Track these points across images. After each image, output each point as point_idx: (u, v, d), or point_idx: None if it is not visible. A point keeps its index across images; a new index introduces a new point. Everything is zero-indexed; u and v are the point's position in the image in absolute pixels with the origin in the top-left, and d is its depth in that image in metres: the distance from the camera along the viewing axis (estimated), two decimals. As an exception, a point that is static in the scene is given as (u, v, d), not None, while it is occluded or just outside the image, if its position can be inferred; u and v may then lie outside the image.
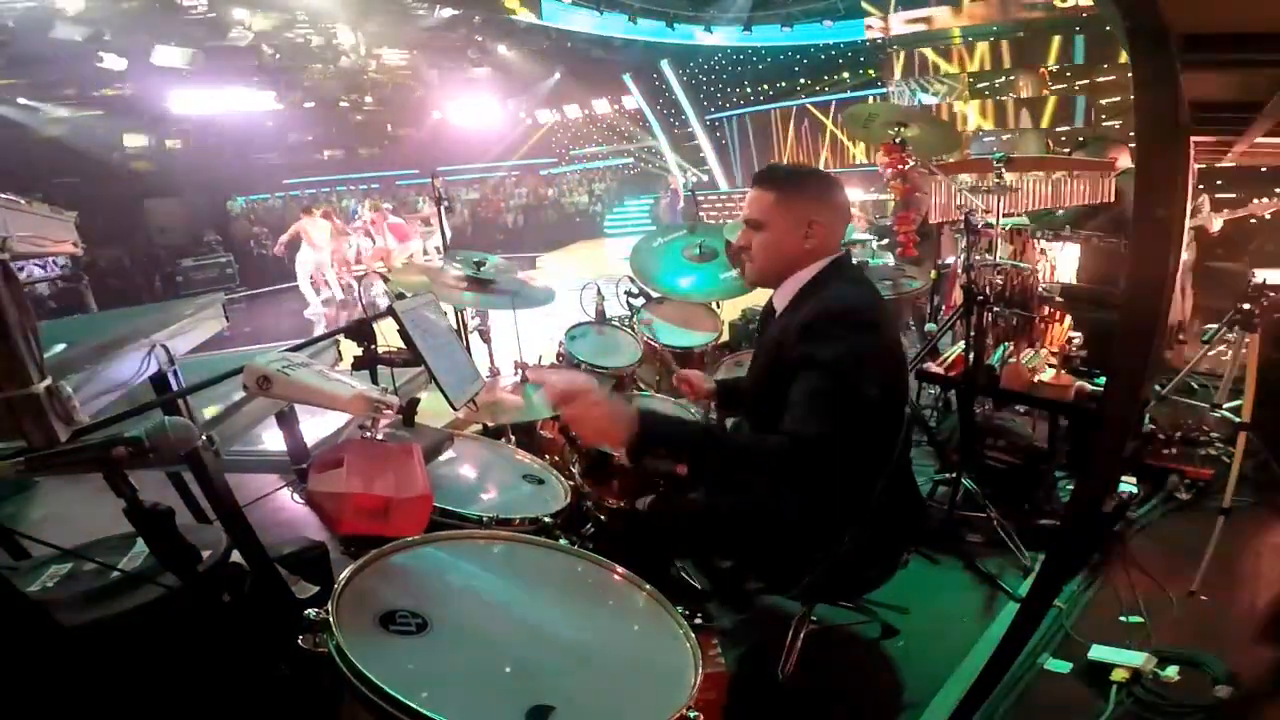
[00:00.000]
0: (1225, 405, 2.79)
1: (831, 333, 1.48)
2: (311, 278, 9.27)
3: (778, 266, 1.67)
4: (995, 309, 2.97)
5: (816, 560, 1.58)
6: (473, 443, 2.15)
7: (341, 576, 1.12)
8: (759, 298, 3.04)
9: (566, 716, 0.96)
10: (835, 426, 1.39)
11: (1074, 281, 3.22)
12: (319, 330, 8.24)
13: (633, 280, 3.06)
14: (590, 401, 1.37)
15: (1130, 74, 1.08)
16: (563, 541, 1.52)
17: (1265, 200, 4.55)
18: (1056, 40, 11.79)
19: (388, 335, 1.68)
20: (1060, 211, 3.41)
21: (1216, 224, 4.45)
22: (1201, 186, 4.59)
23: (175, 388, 1.59)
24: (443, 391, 1.70)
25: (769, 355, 1.67)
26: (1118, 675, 1.82)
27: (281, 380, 1.23)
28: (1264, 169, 5.26)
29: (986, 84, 12.83)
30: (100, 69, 10.18)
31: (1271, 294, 2.31)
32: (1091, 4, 10.85)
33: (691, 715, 1.01)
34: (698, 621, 1.23)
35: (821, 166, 13.89)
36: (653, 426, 1.38)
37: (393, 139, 16.03)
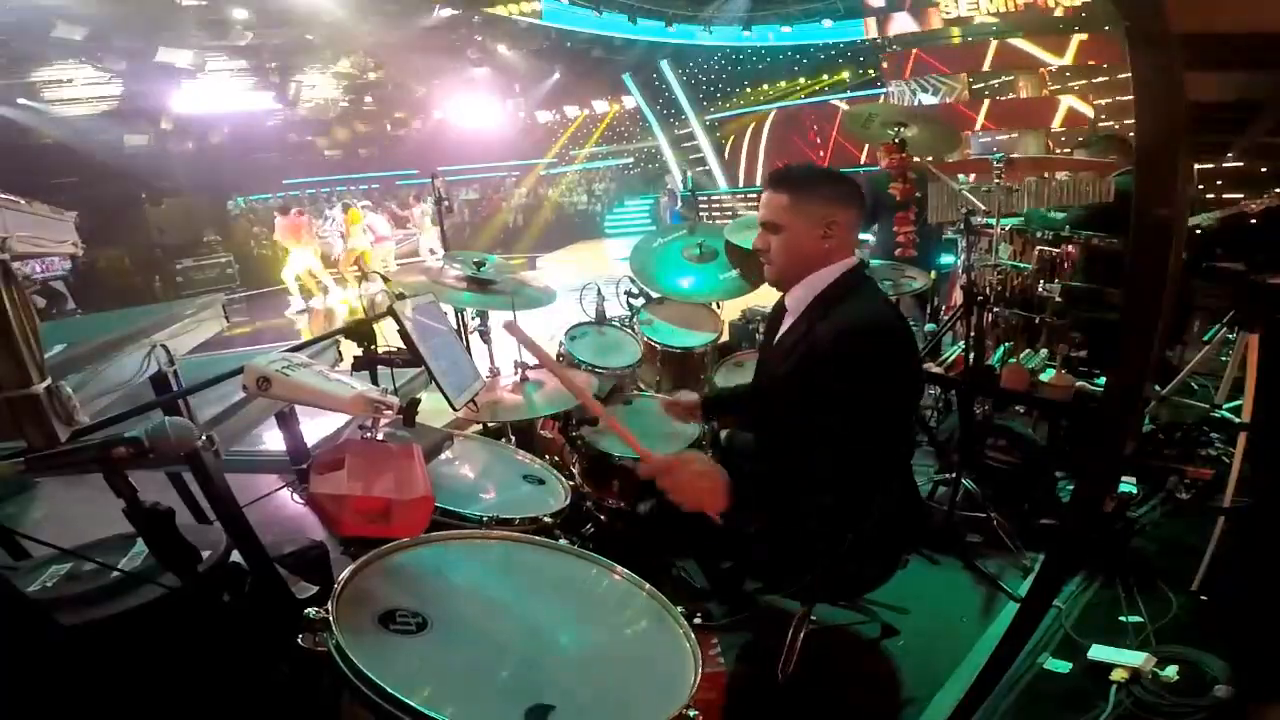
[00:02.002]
0: (1225, 405, 2.79)
1: (859, 355, 1.49)
2: (299, 278, 9.32)
3: (799, 267, 1.66)
4: (995, 309, 2.97)
5: (818, 561, 1.59)
6: (473, 443, 2.15)
7: (341, 576, 1.12)
8: (759, 298, 3.05)
9: (566, 716, 0.96)
10: (861, 448, 1.44)
11: (1074, 282, 3.22)
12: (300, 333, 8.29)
13: (633, 280, 3.06)
14: (694, 472, 1.42)
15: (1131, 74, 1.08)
16: (563, 541, 1.52)
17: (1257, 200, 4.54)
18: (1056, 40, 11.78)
19: (388, 335, 1.68)
20: (1061, 212, 3.41)
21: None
22: (1201, 186, 4.58)
23: (175, 388, 1.59)
24: (443, 391, 1.70)
25: (785, 360, 1.66)
26: (1117, 675, 1.82)
27: (281, 381, 1.23)
28: (1264, 169, 5.25)
29: (987, 84, 12.82)
30: (100, 69, 10.18)
31: (1272, 294, 2.31)
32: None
33: (691, 715, 1.01)
34: (698, 621, 1.23)
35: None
36: (742, 489, 1.42)
37: (393, 139, 16.02)
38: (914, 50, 12.99)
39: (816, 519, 1.53)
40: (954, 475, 2.56)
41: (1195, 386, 3.43)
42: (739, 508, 1.42)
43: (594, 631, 1.20)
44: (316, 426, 2.24)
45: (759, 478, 1.55)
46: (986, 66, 12.19)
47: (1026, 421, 2.98)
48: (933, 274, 3.77)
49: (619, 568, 1.34)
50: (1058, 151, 9.87)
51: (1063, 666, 1.91)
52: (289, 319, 8.99)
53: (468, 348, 2.71)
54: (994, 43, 11.94)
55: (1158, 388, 3.01)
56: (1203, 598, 2.15)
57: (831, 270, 1.63)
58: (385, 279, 2.13)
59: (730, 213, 14.06)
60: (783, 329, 1.73)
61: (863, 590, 1.83)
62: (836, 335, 1.52)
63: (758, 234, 1.70)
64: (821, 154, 14.86)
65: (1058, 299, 3.02)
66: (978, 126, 12.06)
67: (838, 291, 1.61)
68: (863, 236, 4.93)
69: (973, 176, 3.29)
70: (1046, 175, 3.13)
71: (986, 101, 12.32)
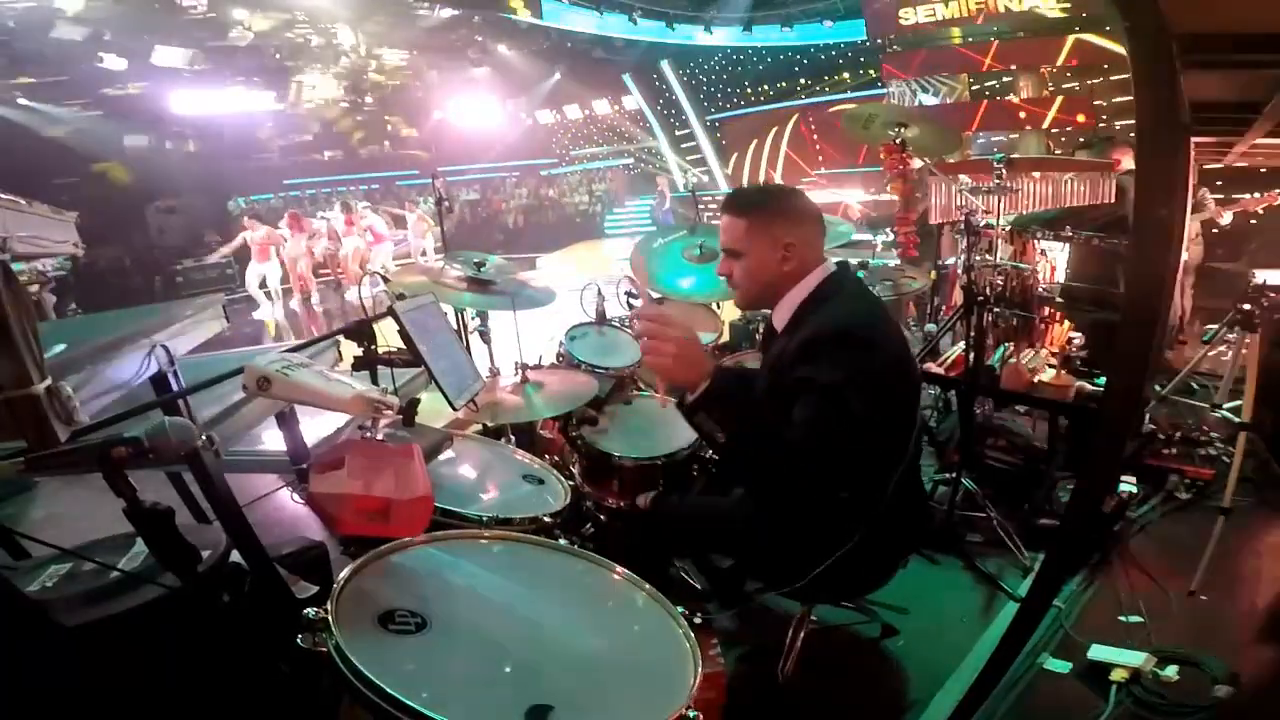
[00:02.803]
0: (1225, 405, 2.79)
1: (828, 354, 1.48)
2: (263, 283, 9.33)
3: (763, 290, 1.67)
4: (995, 309, 2.97)
5: (819, 561, 1.59)
6: (473, 443, 2.15)
7: (341, 576, 1.12)
8: (759, 298, 3.05)
9: (565, 716, 0.96)
10: (831, 450, 1.42)
11: (1074, 282, 3.23)
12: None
13: (633, 281, 3.05)
14: (676, 347, 1.41)
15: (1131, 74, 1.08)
16: (563, 541, 1.52)
17: (1258, 194, 4.57)
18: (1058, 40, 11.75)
19: (388, 335, 1.68)
20: (1061, 212, 3.42)
21: (1226, 217, 4.46)
22: (1204, 188, 4.60)
23: (175, 388, 1.59)
24: (443, 391, 1.70)
25: (770, 376, 1.66)
26: (1117, 675, 1.82)
27: (281, 381, 1.23)
28: (1264, 169, 5.27)
29: (988, 84, 12.81)
30: (100, 69, 10.18)
31: (1271, 294, 2.31)
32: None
33: (691, 715, 1.01)
34: (698, 621, 1.23)
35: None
36: (723, 386, 1.43)
37: (393, 139, 16.02)
38: (993, 43, 12.77)
39: (793, 513, 1.54)
40: (954, 475, 2.57)
41: (1195, 386, 3.43)
42: (709, 404, 1.43)
43: (594, 632, 1.20)
44: (316, 426, 2.24)
45: (752, 407, 1.55)
46: (1060, 61, 11.98)
47: (1026, 421, 2.99)
48: (933, 274, 3.78)
49: (619, 568, 1.33)
50: (1057, 151, 9.87)
51: (1063, 666, 1.91)
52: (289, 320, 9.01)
53: (468, 348, 2.71)
54: (1070, 39, 11.77)
55: (1158, 388, 3.01)
56: (1202, 598, 2.15)
57: (808, 283, 1.63)
58: (385, 279, 2.13)
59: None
60: (773, 348, 1.73)
61: (863, 590, 1.83)
62: (806, 335, 1.53)
63: (720, 260, 1.71)
64: (821, 155, 14.85)
65: (1058, 299, 3.02)
66: (1046, 124, 11.93)
67: (816, 299, 1.62)
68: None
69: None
70: (1045, 175, 3.13)
71: (1060, 98, 12.11)
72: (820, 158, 14.86)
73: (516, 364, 2.38)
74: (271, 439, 2.10)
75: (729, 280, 1.71)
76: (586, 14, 13.29)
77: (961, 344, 2.92)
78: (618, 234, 15.38)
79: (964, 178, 3.15)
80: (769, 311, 1.73)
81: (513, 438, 2.25)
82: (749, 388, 1.71)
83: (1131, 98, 1.08)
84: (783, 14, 14.05)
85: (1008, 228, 3.16)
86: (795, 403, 1.47)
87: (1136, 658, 1.85)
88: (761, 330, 3.14)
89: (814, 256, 1.65)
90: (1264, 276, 2.49)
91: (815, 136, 15.31)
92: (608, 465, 2.22)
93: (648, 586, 1.30)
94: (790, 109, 15.52)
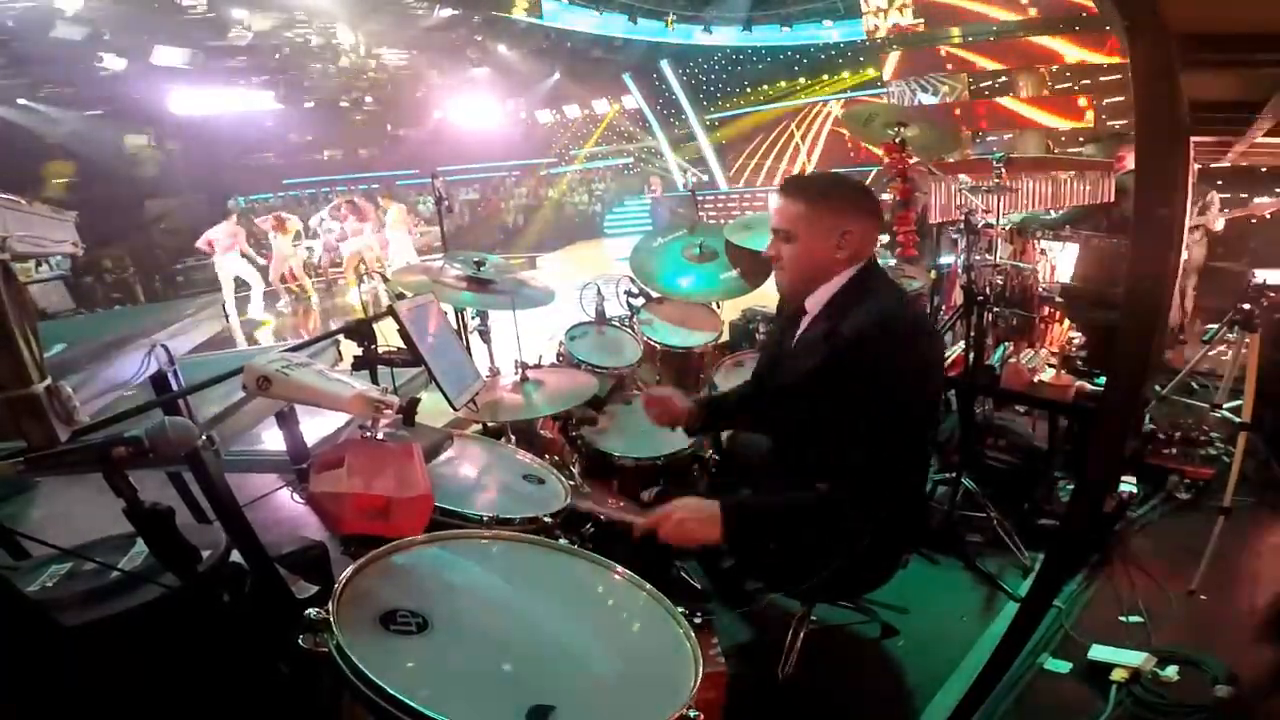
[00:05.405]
0: (1225, 405, 2.80)
1: (889, 355, 1.50)
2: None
3: (812, 276, 1.65)
4: (995, 309, 2.97)
5: (824, 562, 1.58)
6: (473, 443, 2.15)
7: (342, 576, 1.12)
8: (759, 298, 3.05)
9: (566, 716, 0.96)
10: (897, 444, 1.48)
11: (1074, 281, 3.23)
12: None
13: (633, 280, 3.05)
14: (675, 519, 1.49)
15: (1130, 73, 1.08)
16: (563, 541, 1.52)
17: (1267, 199, 4.56)
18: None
19: (388, 335, 1.68)
20: (1061, 211, 3.41)
21: (1219, 223, 4.47)
22: (1212, 190, 4.60)
23: (175, 388, 1.59)
24: (443, 391, 1.70)
25: (808, 357, 1.65)
26: (1117, 675, 1.82)
27: (281, 380, 1.23)
28: (1264, 169, 5.26)
29: (987, 84, 12.80)
30: (100, 69, 10.18)
31: (1271, 294, 2.31)
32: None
33: (691, 715, 1.01)
34: (698, 621, 1.23)
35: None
36: (741, 521, 1.50)
37: (393, 139, 16.01)
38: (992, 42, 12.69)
39: (840, 515, 1.54)
40: (954, 475, 2.56)
41: (1195, 386, 3.43)
42: (740, 532, 1.49)
43: (594, 632, 1.20)
44: (316, 426, 2.24)
45: (779, 510, 1.57)
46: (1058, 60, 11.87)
47: (1026, 421, 2.99)
48: (932, 274, 3.78)
49: (619, 568, 1.33)
50: (1057, 151, 9.86)
51: (1063, 666, 1.91)
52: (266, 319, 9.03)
53: (468, 348, 2.71)
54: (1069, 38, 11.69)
55: (1158, 388, 3.02)
56: (1202, 597, 2.15)
57: (846, 274, 1.62)
58: (385, 278, 2.13)
59: (730, 213, 14.02)
60: (802, 328, 1.71)
61: (863, 590, 1.83)
62: (863, 336, 1.52)
63: (770, 241, 1.68)
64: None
65: (1058, 299, 3.03)
66: (1046, 123, 11.86)
67: (856, 289, 1.61)
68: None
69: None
70: (1045, 175, 3.14)
71: (1058, 98, 11.99)
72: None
73: (516, 363, 2.38)
74: (271, 439, 2.10)
75: (775, 263, 1.69)
76: (586, 13, 13.29)
77: (961, 344, 2.92)
78: (617, 234, 15.37)
79: (964, 177, 3.15)
80: (768, 310, 1.74)
81: (513, 437, 2.24)
82: (758, 499, 1.75)
83: (1132, 97, 1.08)
84: (782, 14, 14.05)
85: (1008, 227, 3.16)
86: (847, 395, 1.49)
87: (1136, 658, 1.85)
88: (762, 330, 3.13)
89: (866, 249, 1.64)
90: (1264, 276, 2.49)
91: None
92: (608, 465, 2.22)
93: (648, 586, 1.29)
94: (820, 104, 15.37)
